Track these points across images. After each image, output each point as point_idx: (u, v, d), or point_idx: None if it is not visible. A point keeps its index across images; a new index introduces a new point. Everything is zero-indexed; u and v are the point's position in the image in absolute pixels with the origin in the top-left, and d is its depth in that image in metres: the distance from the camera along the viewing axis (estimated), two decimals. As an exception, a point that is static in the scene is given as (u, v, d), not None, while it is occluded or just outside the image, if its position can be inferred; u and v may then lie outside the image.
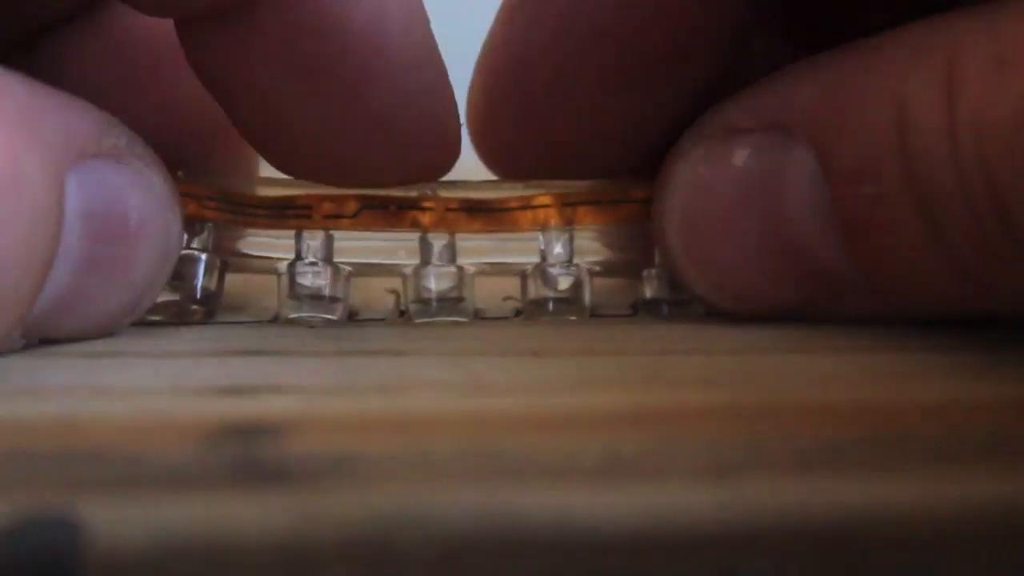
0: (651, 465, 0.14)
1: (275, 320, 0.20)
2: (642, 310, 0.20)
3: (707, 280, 0.19)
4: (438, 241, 0.20)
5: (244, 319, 0.20)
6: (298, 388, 0.16)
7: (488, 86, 0.19)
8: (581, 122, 0.19)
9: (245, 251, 0.20)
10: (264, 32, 0.17)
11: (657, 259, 0.20)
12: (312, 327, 0.19)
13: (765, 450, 0.14)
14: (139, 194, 0.17)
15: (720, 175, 0.18)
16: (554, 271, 0.20)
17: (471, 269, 0.20)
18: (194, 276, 0.19)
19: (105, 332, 0.18)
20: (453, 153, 0.19)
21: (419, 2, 0.17)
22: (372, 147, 0.18)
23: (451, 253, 0.20)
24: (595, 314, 0.20)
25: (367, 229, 0.19)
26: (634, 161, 0.20)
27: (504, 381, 0.17)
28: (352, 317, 0.20)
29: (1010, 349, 0.18)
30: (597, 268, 0.20)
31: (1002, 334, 0.19)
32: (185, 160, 0.19)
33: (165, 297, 0.19)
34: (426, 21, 0.17)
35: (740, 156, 0.18)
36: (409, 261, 0.20)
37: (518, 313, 0.20)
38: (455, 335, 0.19)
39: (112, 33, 0.20)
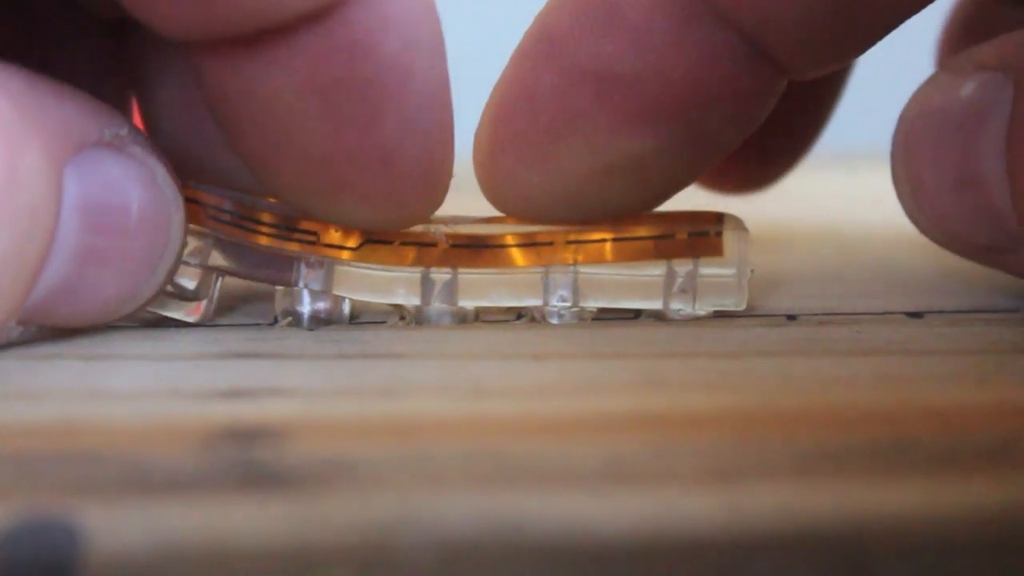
0: (653, 469, 0.14)
1: (275, 322, 0.20)
2: (644, 313, 0.20)
3: (913, 200, 0.20)
4: (440, 277, 0.19)
5: (243, 321, 0.20)
6: (298, 391, 0.16)
7: (496, 126, 0.20)
8: (586, 164, 0.19)
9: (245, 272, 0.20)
10: (296, 49, 0.16)
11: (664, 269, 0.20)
12: (312, 330, 0.19)
13: (768, 455, 0.14)
14: (140, 184, 0.17)
15: (943, 102, 0.19)
16: (556, 320, 0.20)
17: (471, 310, 0.20)
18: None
19: (104, 320, 0.18)
20: (438, 202, 0.19)
21: (443, 44, 0.17)
22: (369, 182, 0.18)
23: (452, 291, 0.20)
24: (597, 317, 0.20)
25: (368, 262, 0.19)
26: (641, 205, 0.20)
27: (505, 385, 0.17)
28: (352, 320, 0.20)
29: (1012, 354, 0.18)
30: (597, 311, 0.20)
31: (1004, 338, 0.19)
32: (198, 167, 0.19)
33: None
34: (446, 63, 0.17)
35: (967, 88, 0.19)
36: (409, 301, 0.20)
37: (520, 316, 0.20)
38: (456, 338, 0.19)
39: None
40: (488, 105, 0.20)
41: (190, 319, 0.19)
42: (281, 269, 0.19)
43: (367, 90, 0.17)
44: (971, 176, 0.19)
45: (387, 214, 0.19)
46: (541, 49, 0.19)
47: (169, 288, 0.19)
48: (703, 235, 0.20)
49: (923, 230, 0.20)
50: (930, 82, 0.19)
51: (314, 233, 0.19)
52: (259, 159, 0.18)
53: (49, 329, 0.18)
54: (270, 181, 0.18)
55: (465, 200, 0.21)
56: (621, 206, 0.20)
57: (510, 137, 0.19)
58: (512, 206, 0.20)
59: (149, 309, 0.19)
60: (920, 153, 0.19)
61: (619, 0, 0.18)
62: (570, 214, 0.20)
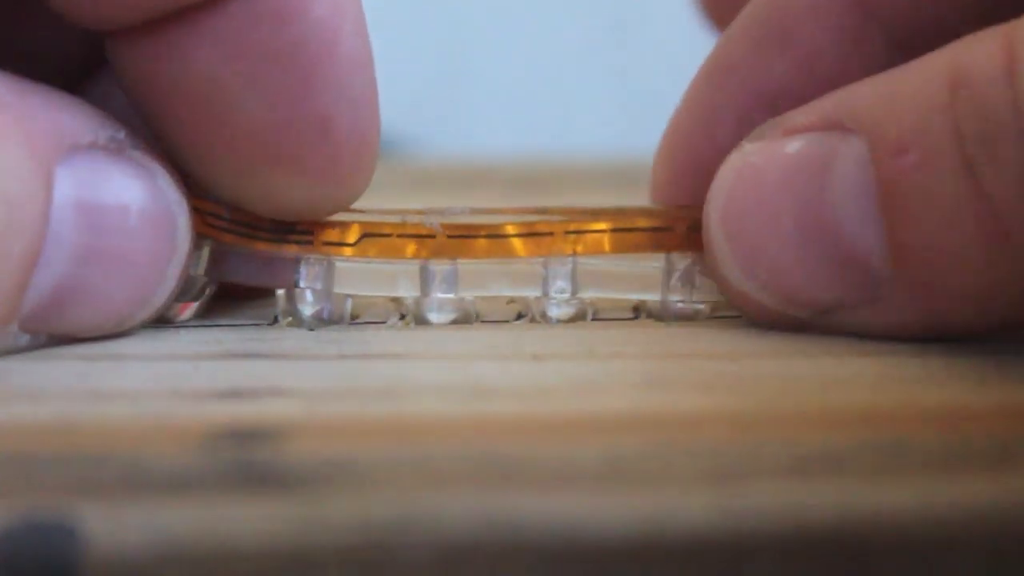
0: (651, 470, 0.14)
1: (275, 322, 0.20)
2: (643, 314, 0.20)
3: (744, 269, 0.19)
4: (440, 268, 0.19)
5: (243, 321, 0.20)
6: (297, 392, 0.16)
7: (675, 151, 0.21)
8: None
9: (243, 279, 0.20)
10: (222, 20, 0.16)
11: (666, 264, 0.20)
12: (312, 330, 0.19)
13: (765, 455, 0.14)
14: (140, 186, 0.17)
15: (769, 161, 0.19)
16: (555, 311, 0.20)
17: (471, 300, 0.20)
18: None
19: (117, 327, 0.18)
20: (368, 176, 0.19)
21: (363, 11, 0.18)
22: (307, 154, 0.18)
23: (452, 281, 0.19)
24: (596, 317, 0.20)
25: (368, 257, 0.19)
26: None
27: (504, 385, 0.17)
28: (353, 320, 0.20)
29: (1011, 355, 0.18)
30: (596, 310, 0.20)
31: (1004, 339, 0.19)
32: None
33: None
34: (367, 31, 0.18)
35: (793, 145, 0.19)
36: (410, 293, 0.20)
37: (520, 316, 0.20)
38: (455, 338, 0.19)
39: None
40: (667, 133, 0.21)
41: (178, 319, 0.19)
42: (281, 272, 0.19)
43: (297, 56, 0.17)
44: (819, 227, 0.18)
45: (323, 191, 0.18)
46: (716, 78, 0.21)
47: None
48: (701, 229, 0.20)
49: (746, 302, 0.19)
50: (736, 156, 0.19)
51: (311, 233, 0.19)
52: (190, 144, 0.18)
53: (60, 338, 0.18)
54: (202, 167, 0.18)
55: (460, 198, 0.21)
56: None
57: (691, 159, 0.21)
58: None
59: None
60: (751, 217, 0.19)
61: (790, 27, 0.20)
62: None
